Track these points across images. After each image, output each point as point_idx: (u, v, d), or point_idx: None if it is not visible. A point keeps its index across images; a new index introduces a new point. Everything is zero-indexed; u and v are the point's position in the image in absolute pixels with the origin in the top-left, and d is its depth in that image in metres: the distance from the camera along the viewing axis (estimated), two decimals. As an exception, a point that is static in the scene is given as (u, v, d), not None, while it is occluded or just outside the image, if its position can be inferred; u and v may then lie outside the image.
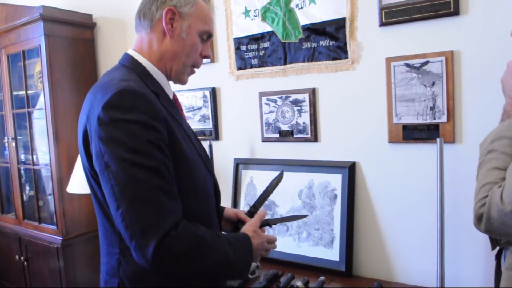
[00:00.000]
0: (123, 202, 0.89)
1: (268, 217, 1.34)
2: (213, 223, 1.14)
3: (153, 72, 1.09)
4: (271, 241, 1.21)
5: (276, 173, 2.07)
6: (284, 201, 2.07)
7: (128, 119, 0.90)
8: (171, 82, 1.16)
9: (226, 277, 1.07)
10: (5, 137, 3.03)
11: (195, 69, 1.18)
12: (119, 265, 1.03)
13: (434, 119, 1.67)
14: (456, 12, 1.60)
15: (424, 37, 1.68)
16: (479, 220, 1.07)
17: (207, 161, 1.15)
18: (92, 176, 1.01)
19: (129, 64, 1.08)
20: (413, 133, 1.72)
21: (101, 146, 0.91)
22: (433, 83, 1.66)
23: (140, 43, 1.12)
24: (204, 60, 1.21)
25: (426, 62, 1.67)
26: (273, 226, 1.34)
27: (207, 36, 1.14)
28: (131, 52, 1.11)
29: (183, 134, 1.05)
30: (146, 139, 0.91)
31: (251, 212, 1.30)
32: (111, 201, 0.92)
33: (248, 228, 1.17)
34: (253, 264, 1.93)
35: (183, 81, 1.16)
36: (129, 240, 0.90)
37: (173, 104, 1.12)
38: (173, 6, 1.07)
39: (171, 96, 1.14)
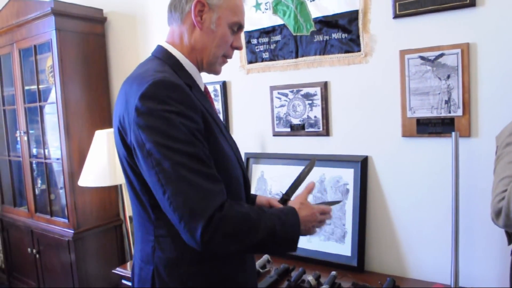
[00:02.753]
0: (169, 187, 0.91)
1: None
2: None
3: (185, 64, 1.10)
4: (324, 212, 1.18)
5: (288, 168, 2.08)
6: (295, 195, 2.05)
7: (165, 109, 0.92)
8: (202, 74, 1.17)
9: (275, 252, 1.09)
10: (17, 131, 3.06)
11: (227, 59, 1.18)
12: (154, 252, 1.05)
13: (449, 112, 1.64)
14: (472, 3, 1.56)
15: (439, 29, 1.65)
16: (498, 215, 1.05)
17: (237, 152, 1.17)
18: (129, 165, 1.03)
19: (162, 56, 1.10)
20: (428, 127, 1.69)
21: (141, 135, 0.93)
22: (448, 76, 1.63)
23: (172, 36, 1.13)
24: None
25: (441, 55, 1.64)
26: None
27: (238, 27, 1.13)
28: (164, 44, 1.12)
29: (215, 125, 1.06)
30: (184, 128, 0.93)
31: (284, 200, 1.30)
32: (156, 187, 0.94)
33: (295, 201, 1.16)
34: (264, 258, 1.92)
35: (215, 71, 1.17)
36: (178, 223, 0.92)
37: (205, 96, 1.14)
38: None
39: (202, 88, 1.15)
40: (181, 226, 0.91)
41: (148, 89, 0.93)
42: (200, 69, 1.14)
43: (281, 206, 1.28)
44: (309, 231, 1.13)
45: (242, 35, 2.20)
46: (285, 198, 1.31)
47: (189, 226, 0.90)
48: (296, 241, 1.06)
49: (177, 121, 0.92)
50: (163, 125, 0.92)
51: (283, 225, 1.02)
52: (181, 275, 1.03)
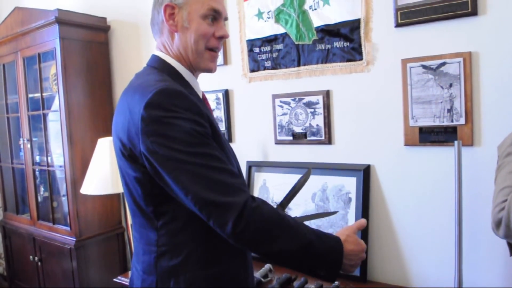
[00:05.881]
0: (191, 188, 0.91)
1: (295, 215, 1.31)
2: None
3: (181, 72, 1.10)
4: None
5: (290, 176, 2.07)
6: (297, 204, 2.05)
7: (172, 116, 0.93)
8: (204, 81, 1.16)
9: (310, 271, 1.00)
10: (21, 139, 3.07)
11: (216, 52, 1.13)
12: (156, 262, 1.04)
13: (452, 121, 1.64)
14: (474, 12, 1.56)
15: (441, 38, 1.65)
16: (498, 225, 1.04)
17: (235, 160, 1.16)
18: (131, 176, 1.02)
19: (158, 65, 1.10)
20: (430, 136, 1.69)
21: (152, 144, 0.93)
22: (451, 85, 1.63)
23: (159, 48, 1.14)
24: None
25: (443, 63, 1.63)
26: None
27: (215, 14, 1.09)
28: (159, 53, 1.13)
29: (217, 132, 1.06)
30: (194, 132, 0.93)
31: None
32: (177, 190, 0.94)
33: (342, 232, 1.07)
34: (266, 267, 1.91)
35: (207, 68, 1.13)
36: (207, 220, 0.93)
37: (203, 104, 1.13)
38: (169, 1, 1.07)
39: (200, 95, 1.15)
40: (211, 223, 0.92)
41: (152, 98, 0.93)
42: (194, 72, 1.14)
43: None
44: (352, 268, 1.03)
45: (244, 44, 2.21)
46: (280, 208, 1.28)
47: (219, 223, 0.91)
48: (337, 267, 0.98)
49: (184, 126, 0.92)
50: (172, 131, 0.92)
51: (322, 244, 0.97)
52: (185, 281, 1.02)
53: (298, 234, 0.95)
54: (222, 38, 1.12)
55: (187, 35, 1.08)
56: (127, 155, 1.00)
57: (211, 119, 1.02)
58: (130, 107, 0.98)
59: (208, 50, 1.10)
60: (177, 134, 0.92)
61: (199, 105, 0.98)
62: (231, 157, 1.07)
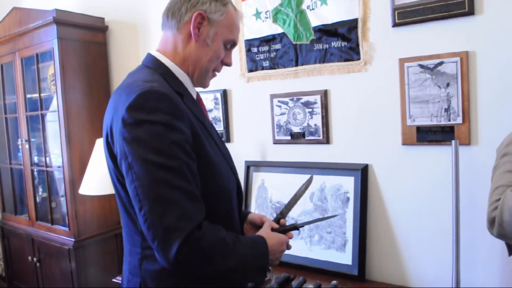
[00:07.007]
0: (146, 203, 0.90)
1: (293, 222, 1.32)
2: (235, 224, 1.14)
3: (176, 73, 1.10)
4: (286, 242, 1.20)
5: (288, 176, 2.08)
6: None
7: (152, 120, 0.92)
8: None
9: (242, 281, 1.02)
10: (19, 139, 3.07)
11: (216, 73, 1.19)
12: (141, 264, 1.04)
13: (449, 120, 1.64)
14: (470, 12, 1.57)
15: (438, 37, 1.66)
16: (491, 224, 1.05)
17: (230, 161, 1.16)
18: (116, 176, 1.02)
19: (152, 65, 1.09)
20: (427, 135, 1.69)
21: (125, 147, 0.92)
22: (448, 84, 1.63)
23: (164, 43, 1.12)
24: None
25: (440, 63, 1.64)
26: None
27: (231, 45, 1.15)
28: (154, 53, 1.12)
29: (206, 134, 1.05)
30: (170, 140, 0.92)
31: (278, 219, 1.28)
32: (135, 202, 0.93)
33: (261, 231, 1.16)
34: (264, 267, 1.91)
35: (204, 85, 1.17)
36: (152, 241, 0.91)
37: (197, 104, 1.13)
38: (203, 11, 1.06)
39: (194, 96, 1.15)
40: (155, 244, 0.91)
41: (135, 99, 0.92)
42: (191, 79, 1.14)
43: (274, 224, 1.26)
44: (276, 261, 1.13)
45: (242, 44, 2.22)
46: (279, 217, 1.28)
47: (163, 245, 0.89)
48: (265, 271, 1.06)
49: (162, 133, 0.91)
50: (147, 136, 0.91)
51: (253, 255, 1.03)
52: (169, 284, 1.02)
53: (235, 252, 0.99)
54: (227, 65, 1.19)
55: (205, 50, 1.09)
56: (111, 154, 1.00)
57: (195, 123, 1.01)
58: (116, 107, 0.98)
59: (212, 71, 1.15)
60: (150, 140, 0.91)
61: (182, 109, 0.97)
62: (216, 162, 1.06)
